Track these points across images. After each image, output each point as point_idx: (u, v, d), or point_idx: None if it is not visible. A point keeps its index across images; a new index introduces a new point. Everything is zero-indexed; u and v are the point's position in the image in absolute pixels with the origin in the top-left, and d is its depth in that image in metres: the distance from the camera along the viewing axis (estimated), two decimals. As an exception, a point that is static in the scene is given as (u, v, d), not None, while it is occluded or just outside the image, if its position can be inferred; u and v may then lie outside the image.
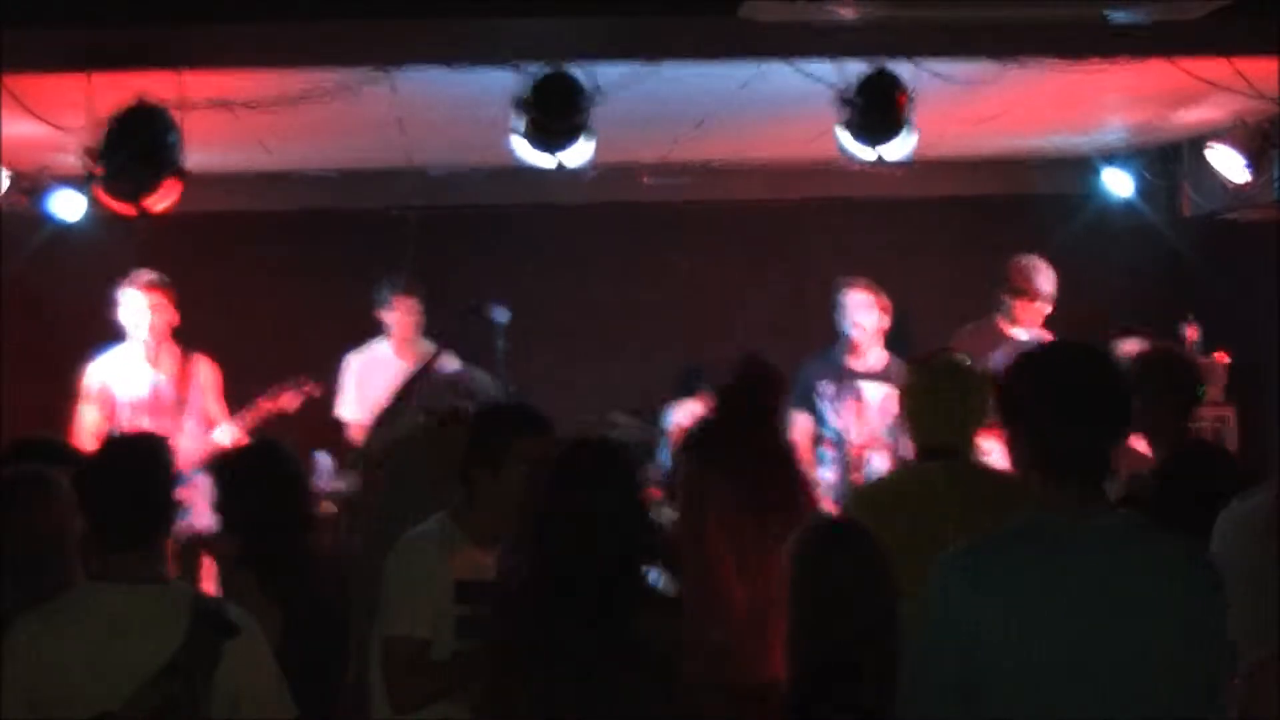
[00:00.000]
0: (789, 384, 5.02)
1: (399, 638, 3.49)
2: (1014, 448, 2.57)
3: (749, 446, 4.57)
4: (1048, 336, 6.93)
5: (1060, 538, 2.43)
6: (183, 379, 6.41)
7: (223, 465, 3.99)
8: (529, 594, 3.15)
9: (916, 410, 3.90)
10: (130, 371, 6.45)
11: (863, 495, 4.41)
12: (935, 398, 3.84)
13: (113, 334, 6.53)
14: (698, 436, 4.88)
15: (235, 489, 3.81)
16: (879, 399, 6.47)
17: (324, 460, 7.08)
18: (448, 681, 3.48)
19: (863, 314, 6.56)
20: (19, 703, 2.84)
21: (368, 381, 7.04)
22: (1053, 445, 2.47)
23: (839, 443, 6.46)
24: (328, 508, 6.15)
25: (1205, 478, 4.00)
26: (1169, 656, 2.37)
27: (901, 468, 3.92)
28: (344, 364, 7.18)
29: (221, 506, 3.82)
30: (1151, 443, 4.26)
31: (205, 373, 6.61)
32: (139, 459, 3.04)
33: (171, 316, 6.46)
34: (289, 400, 6.67)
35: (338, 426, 7.10)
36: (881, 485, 4.43)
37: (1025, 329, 6.86)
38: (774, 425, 4.87)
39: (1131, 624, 2.36)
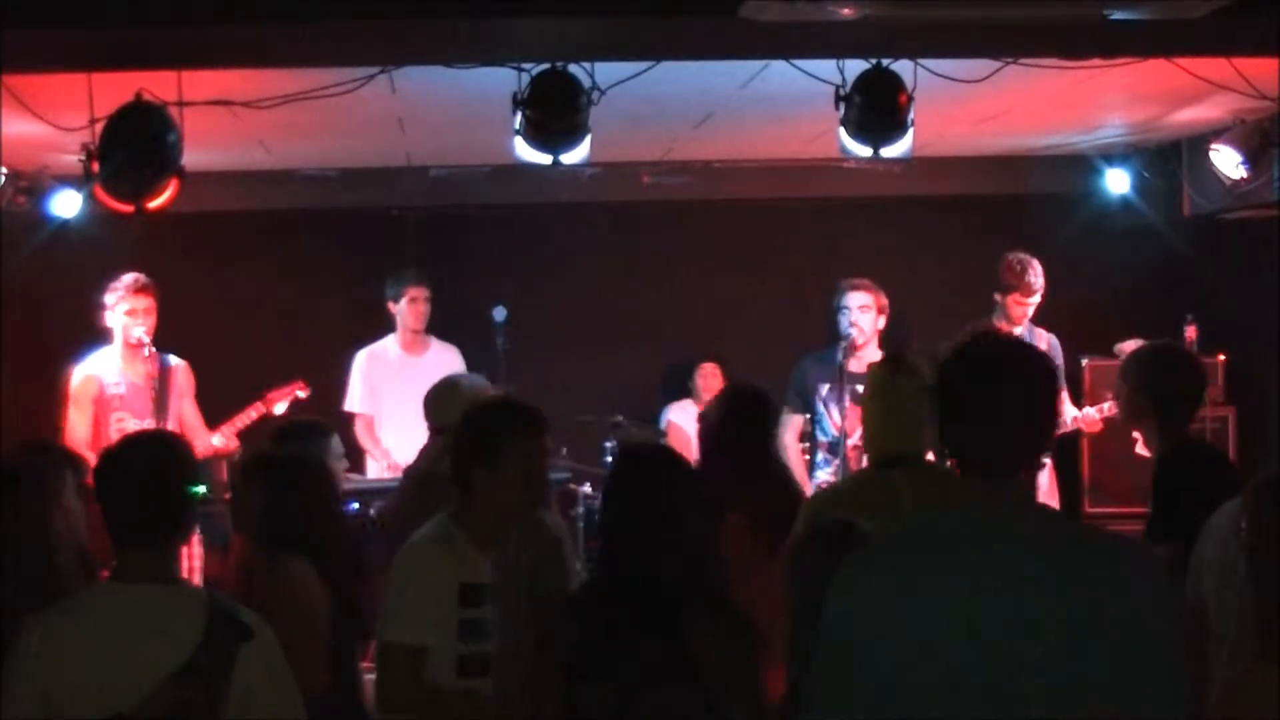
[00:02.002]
0: (775, 407, 4.87)
1: (396, 643, 3.49)
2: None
3: (753, 479, 4.38)
4: (1041, 332, 6.96)
5: (951, 532, 2.40)
6: (161, 382, 6.40)
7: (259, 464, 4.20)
8: (593, 600, 3.18)
9: (870, 417, 3.88)
10: (112, 374, 6.45)
11: (823, 500, 4.33)
12: (888, 401, 3.83)
13: (109, 335, 6.53)
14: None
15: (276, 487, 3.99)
16: None
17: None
18: (447, 714, 3.50)
19: (863, 314, 6.56)
20: (33, 701, 2.83)
21: (376, 377, 7.10)
22: (948, 440, 2.47)
23: (836, 444, 6.46)
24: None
25: (1194, 479, 3.99)
26: (1068, 655, 2.28)
27: (861, 474, 3.88)
28: (353, 360, 7.22)
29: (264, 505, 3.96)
30: (1147, 441, 4.25)
31: (182, 376, 6.61)
32: (156, 457, 3.03)
33: (154, 319, 6.46)
34: (277, 403, 6.68)
35: (344, 422, 7.13)
36: (842, 490, 4.39)
37: (1019, 325, 6.89)
38: (772, 451, 4.70)
39: (1030, 622, 2.29)
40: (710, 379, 7.89)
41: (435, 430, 4.78)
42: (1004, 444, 2.39)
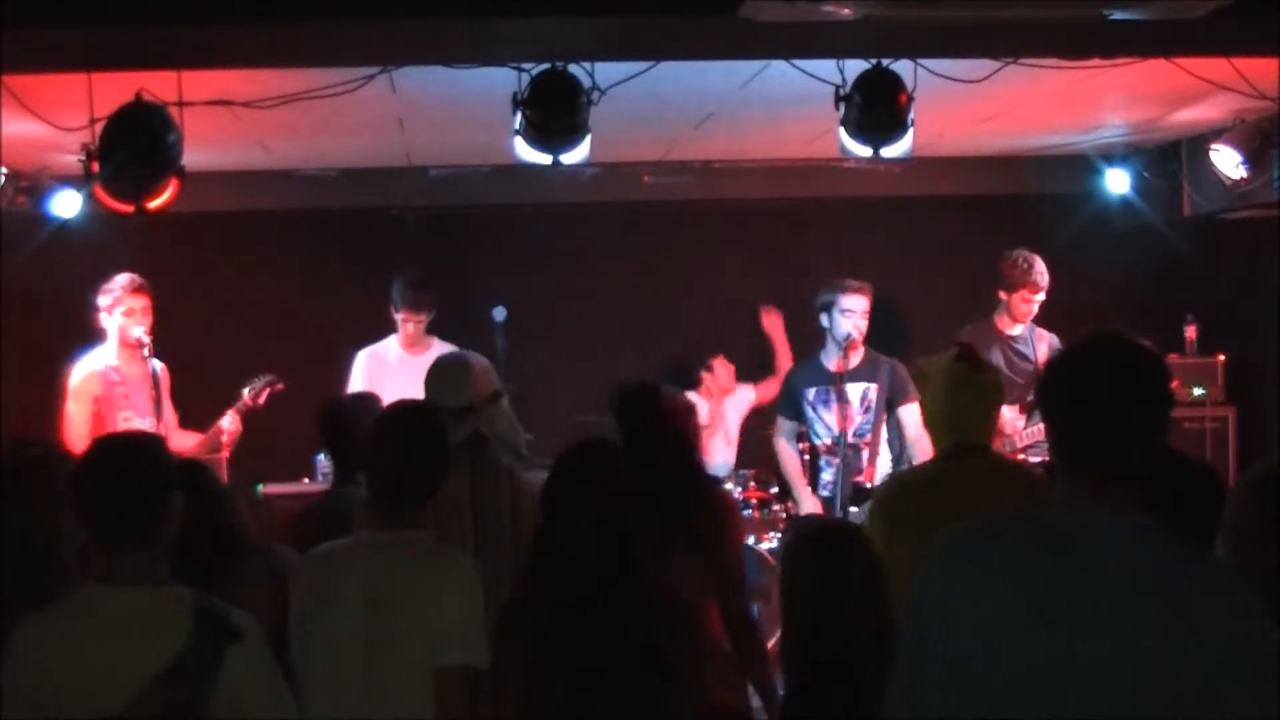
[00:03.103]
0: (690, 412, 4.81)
1: (456, 668, 3.27)
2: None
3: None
4: (1042, 332, 6.96)
5: (1054, 532, 2.35)
6: (156, 380, 6.41)
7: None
8: (543, 597, 3.15)
9: (948, 408, 3.88)
10: (110, 373, 6.46)
11: (898, 489, 4.25)
12: (968, 395, 3.84)
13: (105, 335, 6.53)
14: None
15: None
16: (860, 397, 6.51)
17: (323, 463, 7.11)
18: None
19: (863, 319, 6.57)
20: (23, 705, 2.84)
21: (375, 376, 7.09)
22: (1062, 438, 2.41)
23: (836, 445, 6.48)
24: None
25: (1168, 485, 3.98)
26: (1159, 667, 2.22)
27: (938, 461, 3.89)
28: (354, 360, 7.22)
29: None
30: None
31: (165, 377, 6.62)
32: (135, 457, 3.01)
33: (151, 318, 6.47)
34: (257, 396, 6.70)
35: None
36: (917, 476, 4.36)
37: (1022, 323, 6.89)
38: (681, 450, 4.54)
39: (1116, 628, 2.24)
40: (720, 371, 7.86)
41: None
42: (1108, 443, 2.34)
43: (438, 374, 4.56)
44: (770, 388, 7.42)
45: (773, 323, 7.87)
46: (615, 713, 2.99)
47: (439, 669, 3.25)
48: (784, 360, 7.60)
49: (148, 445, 3.11)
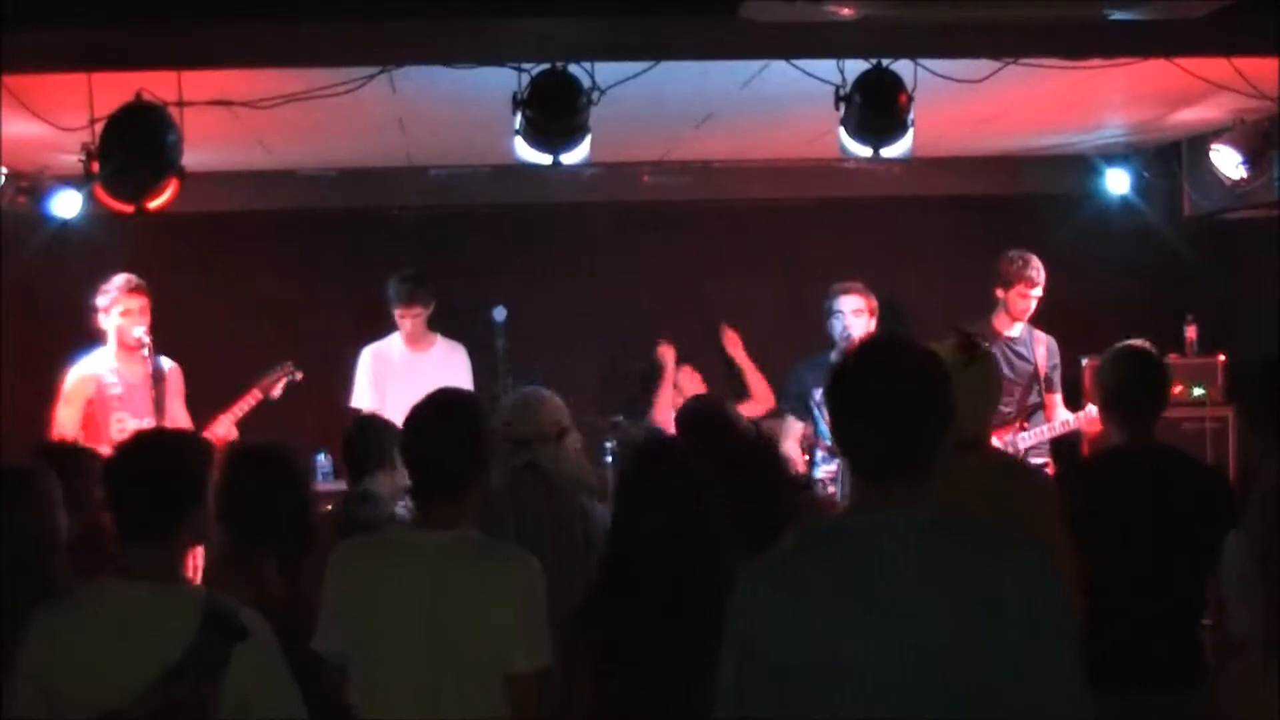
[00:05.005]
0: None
1: (530, 673, 3.21)
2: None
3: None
4: (1039, 334, 6.96)
5: (850, 538, 2.41)
6: (157, 380, 6.42)
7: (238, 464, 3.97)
8: (617, 590, 3.27)
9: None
10: (110, 374, 6.46)
11: None
12: (966, 389, 3.82)
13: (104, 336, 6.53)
14: None
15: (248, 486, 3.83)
16: None
17: (324, 463, 7.13)
18: None
19: (856, 318, 6.57)
20: (35, 699, 2.86)
21: (380, 373, 7.11)
22: (851, 445, 2.47)
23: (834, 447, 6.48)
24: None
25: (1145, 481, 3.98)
26: (964, 647, 2.31)
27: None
28: (359, 357, 7.23)
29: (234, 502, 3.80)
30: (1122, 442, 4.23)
31: (175, 377, 6.64)
32: (160, 455, 3.03)
33: (149, 318, 6.47)
34: (273, 388, 6.71)
35: (342, 425, 7.13)
36: None
37: (1019, 322, 6.89)
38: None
39: (920, 619, 2.31)
40: (686, 383, 7.83)
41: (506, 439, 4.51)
42: (894, 445, 2.41)
43: (510, 403, 4.71)
44: (751, 408, 7.29)
45: (733, 343, 7.85)
46: (682, 709, 3.05)
47: (512, 675, 3.18)
48: (754, 380, 7.60)
49: (177, 445, 3.14)
